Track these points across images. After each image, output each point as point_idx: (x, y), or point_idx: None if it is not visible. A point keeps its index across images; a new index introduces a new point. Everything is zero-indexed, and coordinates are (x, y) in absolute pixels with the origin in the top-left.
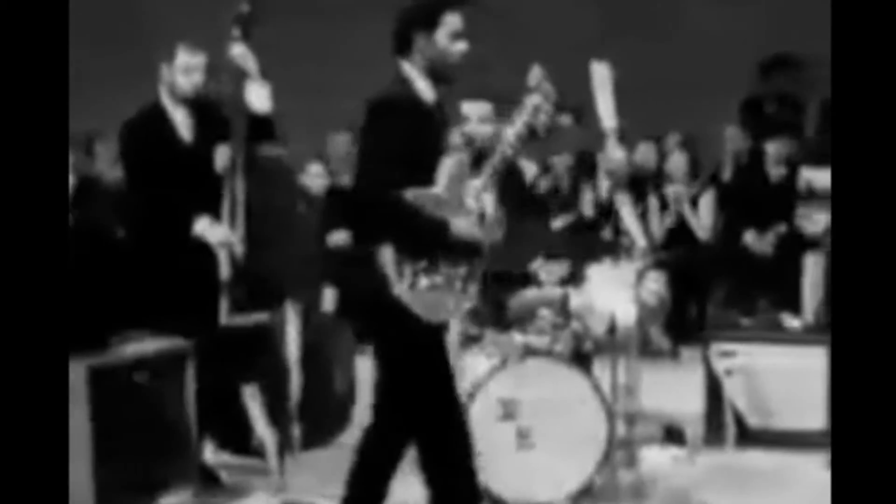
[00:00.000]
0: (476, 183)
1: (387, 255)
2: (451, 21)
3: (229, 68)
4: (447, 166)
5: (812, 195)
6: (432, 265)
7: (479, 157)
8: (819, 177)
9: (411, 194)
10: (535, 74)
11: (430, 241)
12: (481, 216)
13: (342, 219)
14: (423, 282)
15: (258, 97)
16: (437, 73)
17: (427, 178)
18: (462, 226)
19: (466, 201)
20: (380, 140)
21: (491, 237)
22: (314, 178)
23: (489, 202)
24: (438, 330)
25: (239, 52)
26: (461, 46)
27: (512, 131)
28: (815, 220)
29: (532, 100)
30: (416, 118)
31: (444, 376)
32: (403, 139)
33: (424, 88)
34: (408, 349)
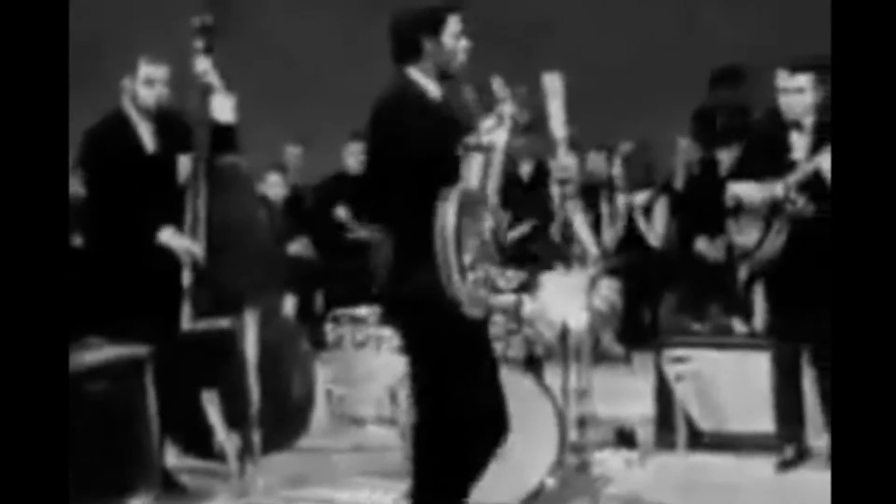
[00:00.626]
0: (492, 184)
1: (448, 250)
2: (455, 21)
3: (193, 81)
4: (475, 160)
5: (740, 209)
6: (475, 262)
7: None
8: (746, 190)
9: (450, 192)
10: (500, 85)
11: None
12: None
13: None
14: (471, 276)
15: (222, 108)
16: (444, 73)
17: (446, 175)
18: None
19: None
20: (395, 140)
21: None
22: (272, 186)
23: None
24: (481, 325)
25: (202, 65)
26: (464, 44)
27: (500, 140)
28: (747, 233)
29: (506, 109)
30: (427, 117)
31: (489, 367)
32: (418, 138)
33: (433, 88)
34: (454, 344)
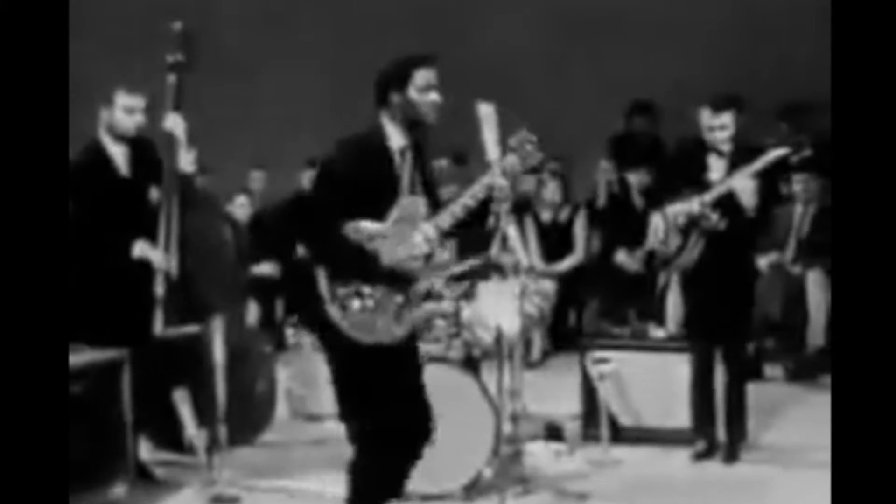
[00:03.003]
0: (426, 226)
1: (321, 277)
2: (421, 76)
3: (162, 133)
4: (399, 206)
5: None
6: (364, 289)
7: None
8: (680, 209)
9: (351, 226)
10: (520, 137)
11: (355, 268)
12: (429, 255)
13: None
14: (355, 304)
15: (185, 162)
16: (412, 122)
17: (379, 214)
18: (394, 258)
19: (414, 238)
20: (332, 172)
21: (435, 276)
22: (239, 207)
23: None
24: (376, 348)
25: (170, 121)
26: (433, 97)
27: (480, 184)
28: (667, 244)
29: (508, 160)
30: (375, 159)
31: (378, 390)
32: (354, 175)
33: (394, 134)
34: (342, 361)
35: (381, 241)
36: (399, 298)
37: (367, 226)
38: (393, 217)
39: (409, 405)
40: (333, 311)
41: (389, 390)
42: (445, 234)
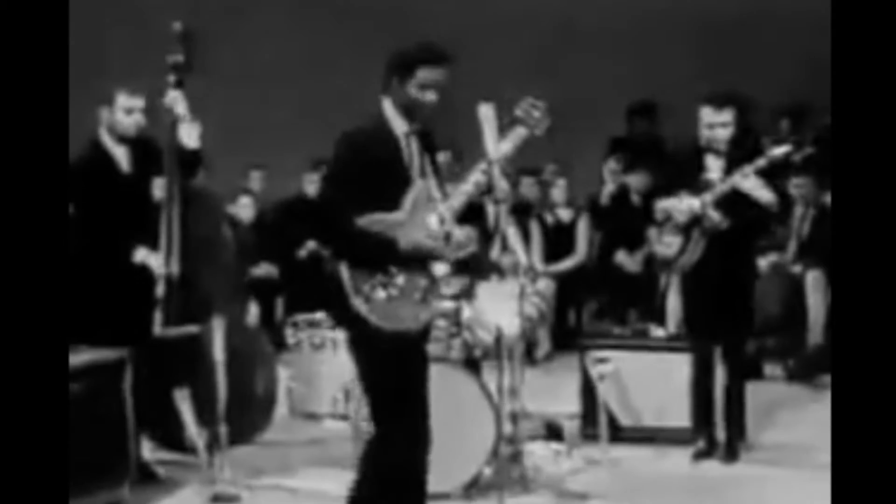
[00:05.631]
0: (442, 207)
1: (343, 271)
2: (423, 75)
3: (164, 111)
4: (412, 191)
5: (665, 222)
6: (388, 279)
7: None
8: (674, 204)
9: (366, 219)
10: (525, 105)
11: (375, 258)
12: (447, 236)
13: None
14: (380, 294)
15: (189, 135)
16: (409, 113)
17: (391, 203)
18: (413, 242)
19: (429, 221)
20: (340, 167)
21: (459, 253)
22: (243, 207)
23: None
24: (403, 337)
25: (172, 97)
26: (430, 97)
27: (486, 160)
28: (668, 243)
29: (515, 132)
30: (382, 147)
31: (406, 384)
32: (363, 167)
33: (397, 120)
34: (371, 354)
35: (400, 228)
36: (423, 282)
37: (385, 217)
38: (408, 203)
39: (422, 402)
40: (359, 305)
41: (411, 383)
42: (463, 218)
